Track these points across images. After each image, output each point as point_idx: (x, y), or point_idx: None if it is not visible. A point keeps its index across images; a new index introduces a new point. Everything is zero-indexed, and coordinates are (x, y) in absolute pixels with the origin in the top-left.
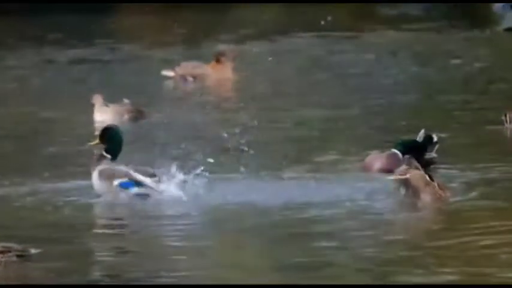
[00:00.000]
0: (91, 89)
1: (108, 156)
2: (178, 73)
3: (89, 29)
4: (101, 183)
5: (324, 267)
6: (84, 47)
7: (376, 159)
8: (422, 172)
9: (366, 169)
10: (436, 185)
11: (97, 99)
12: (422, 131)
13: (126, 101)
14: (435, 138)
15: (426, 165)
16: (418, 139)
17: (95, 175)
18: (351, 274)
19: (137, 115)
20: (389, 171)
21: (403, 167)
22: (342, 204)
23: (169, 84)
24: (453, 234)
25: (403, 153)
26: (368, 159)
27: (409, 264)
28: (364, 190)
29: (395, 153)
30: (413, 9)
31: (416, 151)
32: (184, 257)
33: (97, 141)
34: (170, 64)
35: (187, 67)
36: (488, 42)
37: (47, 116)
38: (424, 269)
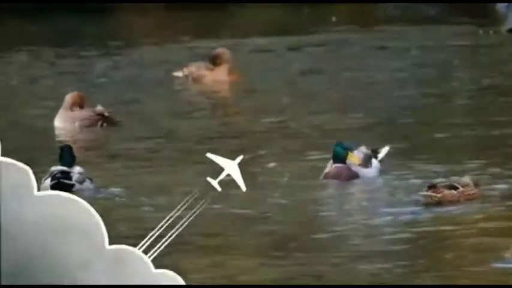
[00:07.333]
0: (88, 89)
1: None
2: (185, 73)
3: (90, 28)
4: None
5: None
6: (84, 46)
7: (342, 170)
8: (454, 192)
9: (332, 179)
10: (462, 189)
11: (66, 102)
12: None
13: (99, 107)
14: None
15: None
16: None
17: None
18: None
19: (93, 122)
20: (357, 176)
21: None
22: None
23: (176, 83)
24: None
25: (348, 149)
26: (334, 170)
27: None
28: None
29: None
30: (414, 8)
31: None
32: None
33: None
34: (172, 63)
35: (193, 68)
36: (491, 42)
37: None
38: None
